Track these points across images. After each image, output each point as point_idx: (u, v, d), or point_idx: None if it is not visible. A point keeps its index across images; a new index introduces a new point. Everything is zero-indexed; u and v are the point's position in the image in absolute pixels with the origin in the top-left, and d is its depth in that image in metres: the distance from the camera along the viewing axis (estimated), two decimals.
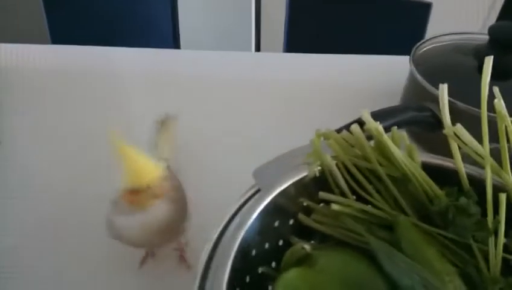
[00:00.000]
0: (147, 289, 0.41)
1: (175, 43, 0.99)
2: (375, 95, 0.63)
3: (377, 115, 0.40)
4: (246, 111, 0.63)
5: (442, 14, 1.04)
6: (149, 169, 0.33)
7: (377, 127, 0.29)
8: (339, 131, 0.32)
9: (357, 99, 0.62)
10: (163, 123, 0.45)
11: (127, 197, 0.33)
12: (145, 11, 0.98)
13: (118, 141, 0.31)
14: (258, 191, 0.30)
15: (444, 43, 0.57)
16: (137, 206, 0.33)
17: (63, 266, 0.42)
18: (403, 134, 0.30)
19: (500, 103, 0.27)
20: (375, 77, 0.69)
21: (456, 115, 0.44)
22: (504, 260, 0.27)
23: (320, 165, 0.30)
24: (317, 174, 0.30)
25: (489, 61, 0.29)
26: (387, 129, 0.31)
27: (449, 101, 0.45)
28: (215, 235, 0.26)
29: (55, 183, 0.50)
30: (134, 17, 0.99)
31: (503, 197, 0.26)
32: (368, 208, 0.29)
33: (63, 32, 0.98)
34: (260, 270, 0.29)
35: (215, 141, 0.49)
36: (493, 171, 0.28)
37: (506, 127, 0.27)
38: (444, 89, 0.29)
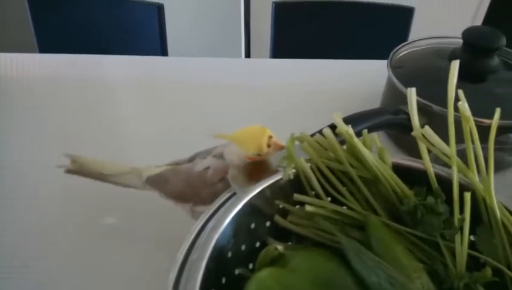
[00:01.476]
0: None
1: (163, 53, 1.00)
2: (358, 99, 0.64)
3: (353, 119, 0.42)
4: (234, 115, 0.64)
5: (425, 19, 1.06)
6: (259, 132, 0.33)
7: (347, 130, 0.29)
8: (313, 135, 0.33)
9: (341, 102, 0.64)
10: None
11: (250, 165, 0.34)
12: (132, 20, 0.98)
13: (218, 134, 0.33)
14: (234, 194, 0.30)
15: (422, 47, 0.59)
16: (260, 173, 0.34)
17: (63, 267, 0.43)
18: (373, 137, 0.31)
19: (464, 105, 0.28)
20: (358, 81, 0.71)
21: (432, 118, 0.46)
22: (472, 256, 0.28)
23: (294, 168, 0.31)
24: (292, 177, 0.31)
25: (455, 66, 0.30)
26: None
27: (424, 104, 0.47)
28: (191, 238, 0.27)
29: (52, 186, 0.51)
30: (121, 26, 0.99)
31: (467, 196, 0.27)
32: (341, 208, 0.30)
33: (51, 41, 0.99)
34: (237, 271, 0.29)
35: (205, 145, 0.50)
36: (460, 171, 0.29)
37: (470, 128, 0.28)
38: (412, 92, 0.30)
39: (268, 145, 0.33)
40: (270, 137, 0.33)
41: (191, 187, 0.39)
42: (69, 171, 0.43)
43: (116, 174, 0.42)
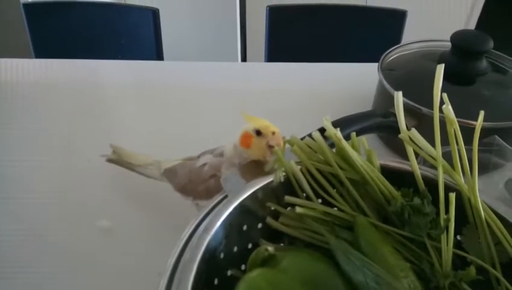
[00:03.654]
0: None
1: (158, 57, 1.00)
2: (352, 102, 0.65)
3: (343, 122, 0.42)
4: (230, 118, 0.65)
5: (418, 23, 1.07)
6: (271, 125, 0.36)
7: (336, 133, 0.30)
8: (304, 138, 0.33)
9: (335, 105, 0.65)
10: None
11: (249, 138, 0.36)
12: (127, 25, 0.99)
13: (245, 114, 0.37)
14: (226, 196, 0.31)
15: (412, 50, 0.60)
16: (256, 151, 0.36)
17: (62, 267, 0.43)
18: (362, 139, 0.32)
19: (448, 108, 0.29)
20: (352, 84, 0.72)
21: (422, 120, 0.47)
22: (459, 256, 0.29)
23: (285, 171, 0.32)
24: (282, 180, 0.31)
25: (440, 69, 0.31)
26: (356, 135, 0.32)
27: (414, 106, 0.48)
28: (183, 240, 0.28)
29: (50, 186, 0.52)
30: (116, 30, 1.00)
31: (452, 196, 0.28)
32: (331, 210, 0.31)
33: (46, 46, 0.99)
34: (229, 272, 0.30)
35: (200, 148, 0.52)
36: (445, 172, 0.30)
37: (455, 130, 0.29)
38: (398, 96, 0.31)
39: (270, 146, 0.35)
40: (275, 133, 0.35)
41: (190, 182, 0.42)
42: (110, 160, 0.48)
43: (142, 165, 0.46)
